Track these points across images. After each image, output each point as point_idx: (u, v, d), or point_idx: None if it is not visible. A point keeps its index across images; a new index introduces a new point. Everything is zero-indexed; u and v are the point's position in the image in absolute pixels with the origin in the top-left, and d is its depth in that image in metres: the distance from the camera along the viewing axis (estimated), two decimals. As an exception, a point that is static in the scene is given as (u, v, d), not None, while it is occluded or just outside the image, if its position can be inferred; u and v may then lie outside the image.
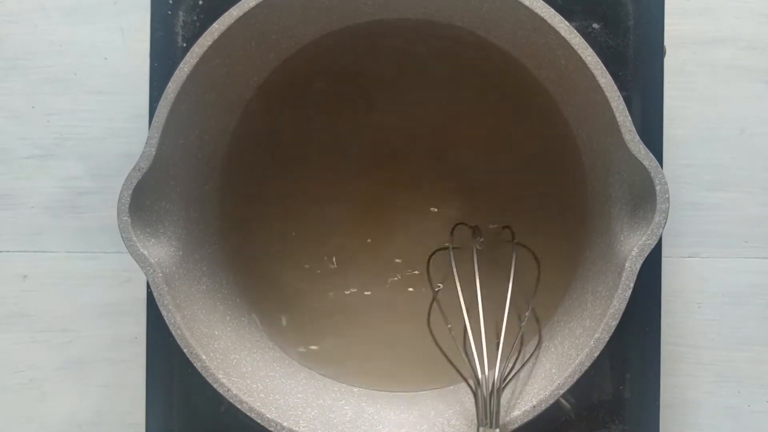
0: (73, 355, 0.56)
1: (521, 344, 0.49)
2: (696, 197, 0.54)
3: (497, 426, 0.44)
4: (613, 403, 0.52)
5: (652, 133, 0.51)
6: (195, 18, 0.52)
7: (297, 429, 0.44)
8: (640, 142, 0.41)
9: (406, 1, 0.49)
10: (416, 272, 0.53)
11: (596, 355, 0.42)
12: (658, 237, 0.41)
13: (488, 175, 0.53)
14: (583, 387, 0.51)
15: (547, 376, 0.44)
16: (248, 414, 0.43)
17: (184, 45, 0.52)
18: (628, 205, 0.44)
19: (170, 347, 0.52)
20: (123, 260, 0.55)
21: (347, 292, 0.54)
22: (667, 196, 0.41)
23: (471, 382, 0.46)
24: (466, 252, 0.51)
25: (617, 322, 0.42)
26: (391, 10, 0.50)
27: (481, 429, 0.44)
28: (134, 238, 0.42)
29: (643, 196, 0.42)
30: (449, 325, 0.49)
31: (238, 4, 0.43)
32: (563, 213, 0.51)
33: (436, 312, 0.50)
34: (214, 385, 0.43)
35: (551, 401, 0.42)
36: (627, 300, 0.41)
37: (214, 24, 0.43)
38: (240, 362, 0.47)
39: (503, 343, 0.47)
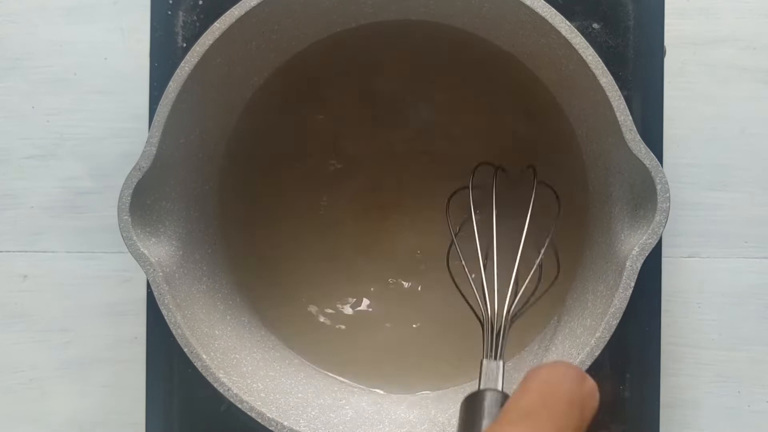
0: (73, 355, 0.56)
1: (538, 279, 0.48)
2: (696, 197, 0.54)
3: (501, 358, 0.42)
4: (613, 403, 0.52)
5: (652, 133, 0.51)
6: (195, 18, 0.52)
7: (297, 428, 0.44)
8: (641, 141, 0.41)
9: (407, 2, 0.49)
10: (418, 273, 0.53)
11: (597, 354, 0.42)
12: (659, 236, 0.41)
13: (488, 174, 0.53)
14: (584, 387, 0.51)
15: (548, 376, 0.44)
16: (249, 413, 0.43)
17: (184, 45, 0.52)
18: (628, 205, 0.44)
19: (170, 347, 0.52)
20: (123, 260, 0.55)
21: (348, 292, 0.54)
22: (667, 195, 0.41)
23: (481, 316, 0.46)
24: (488, 193, 0.50)
25: (618, 321, 0.42)
26: (391, 12, 0.50)
27: (484, 361, 0.42)
28: (135, 238, 0.42)
29: (644, 195, 0.42)
30: (463, 262, 0.49)
31: (239, 3, 0.43)
32: (564, 212, 0.51)
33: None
34: (215, 385, 0.43)
35: (552, 401, 0.42)
36: (628, 299, 0.41)
37: (215, 23, 0.43)
38: (240, 362, 0.47)
39: (515, 278, 0.46)
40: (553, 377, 0.31)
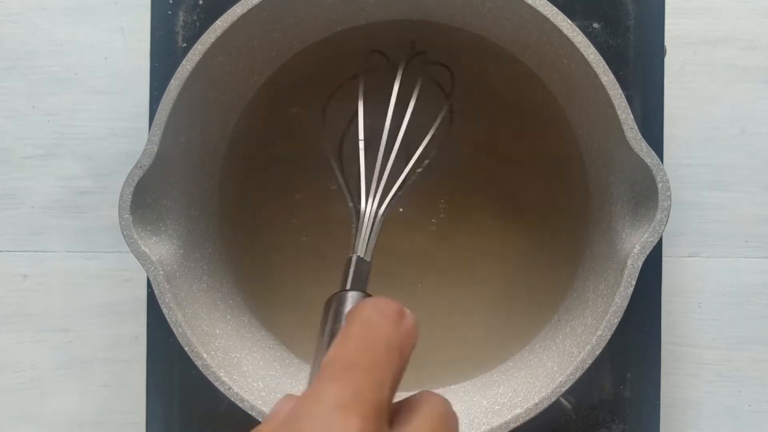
0: (73, 355, 0.56)
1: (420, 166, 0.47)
2: (696, 197, 0.54)
3: (368, 255, 0.41)
4: (613, 402, 0.52)
5: (652, 133, 0.51)
6: (195, 18, 0.53)
7: (298, 428, 0.43)
8: (642, 139, 0.41)
9: (408, 2, 0.49)
10: (419, 274, 0.53)
11: (598, 352, 0.42)
12: (660, 234, 0.41)
13: (488, 174, 0.53)
14: (584, 386, 0.51)
15: (549, 374, 0.44)
16: (249, 413, 0.43)
17: (185, 45, 0.52)
18: (629, 203, 0.44)
19: (170, 347, 0.52)
20: (123, 260, 0.55)
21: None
22: (668, 193, 0.41)
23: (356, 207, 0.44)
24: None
25: (619, 319, 0.42)
26: (392, 11, 0.50)
27: (354, 257, 0.41)
28: (135, 236, 0.42)
29: (645, 194, 0.42)
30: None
31: (241, 1, 0.43)
32: (564, 211, 0.51)
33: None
34: (216, 384, 0.43)
35: (553, 399, 0.42)
36: (629, 297, 0.41)
37: (217, 21, 0.43)
38: (241, 361, 0.47)
39: (390, 169, 0.45)
40: (374, 319, 0.31)
